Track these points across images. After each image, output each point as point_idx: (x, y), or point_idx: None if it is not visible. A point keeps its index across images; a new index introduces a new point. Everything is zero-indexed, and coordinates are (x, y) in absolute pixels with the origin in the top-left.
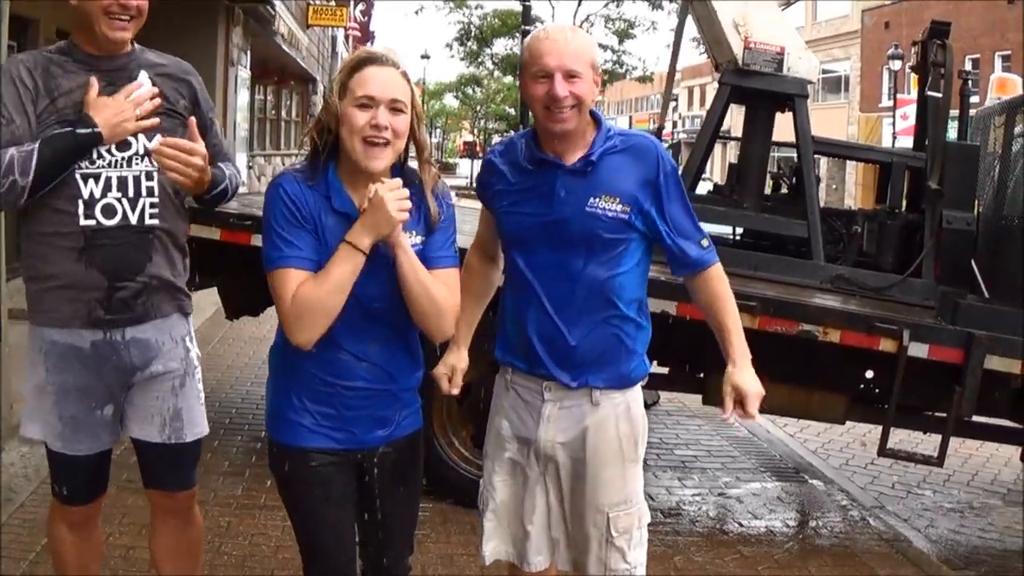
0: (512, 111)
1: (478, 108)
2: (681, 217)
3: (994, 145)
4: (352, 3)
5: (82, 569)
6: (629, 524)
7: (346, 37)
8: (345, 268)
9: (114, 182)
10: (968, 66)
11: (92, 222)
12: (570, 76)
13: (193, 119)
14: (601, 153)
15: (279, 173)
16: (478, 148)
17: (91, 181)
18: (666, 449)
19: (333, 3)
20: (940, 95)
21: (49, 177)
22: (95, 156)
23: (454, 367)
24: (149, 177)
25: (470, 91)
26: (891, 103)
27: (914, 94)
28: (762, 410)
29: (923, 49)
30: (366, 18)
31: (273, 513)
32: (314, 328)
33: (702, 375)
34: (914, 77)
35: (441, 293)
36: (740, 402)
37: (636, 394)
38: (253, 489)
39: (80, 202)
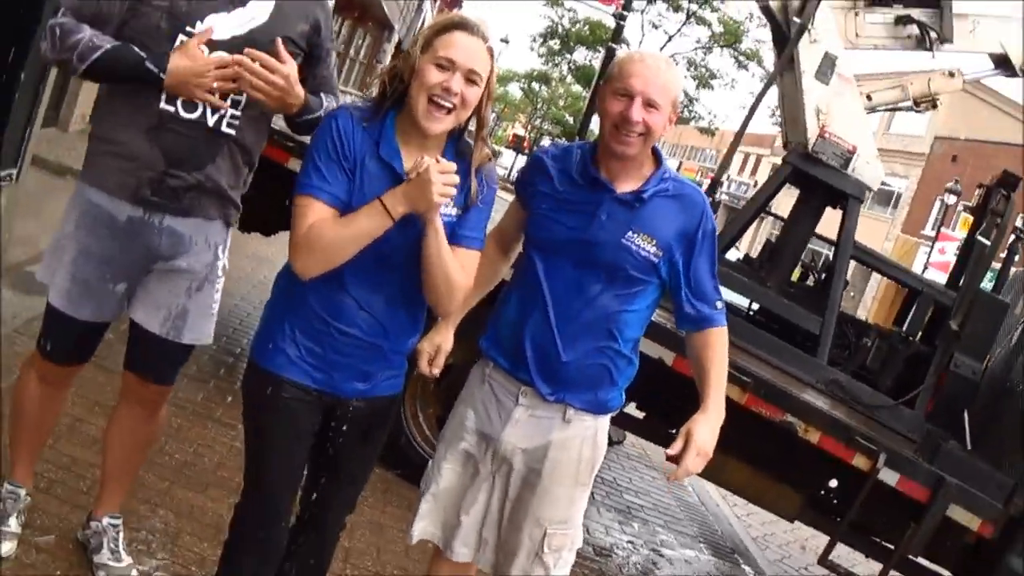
0: (571, 120)
1: (539, 106)
2: (704, 276)
3: (1023, 309)
4: None
5: (37, 423)
6: (562, 544)
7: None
8: (370, 225)
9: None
10: (1020, 222)
11: (171, 108)
12: (649, 105)
13: (280, 41)
14: (653, 192)
15: (340, 105)
16: (526, 144)
17: None
18: (616, 490)
19: None
20: (989, 243)
21: (103, 77)
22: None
23: (439, 347)
24: (238, 92)
25: (537, 87)
26: (934, 233)
27: (958, 232)
28: (720, 483)
29: (987, 193)
30: None
31: (224, 429)
32: (316, 265)
33: (673, 430)
34: (965, 217)
35: (458, 274)
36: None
37: (605, 423)
38: (212, 400)
39: (164, 90)
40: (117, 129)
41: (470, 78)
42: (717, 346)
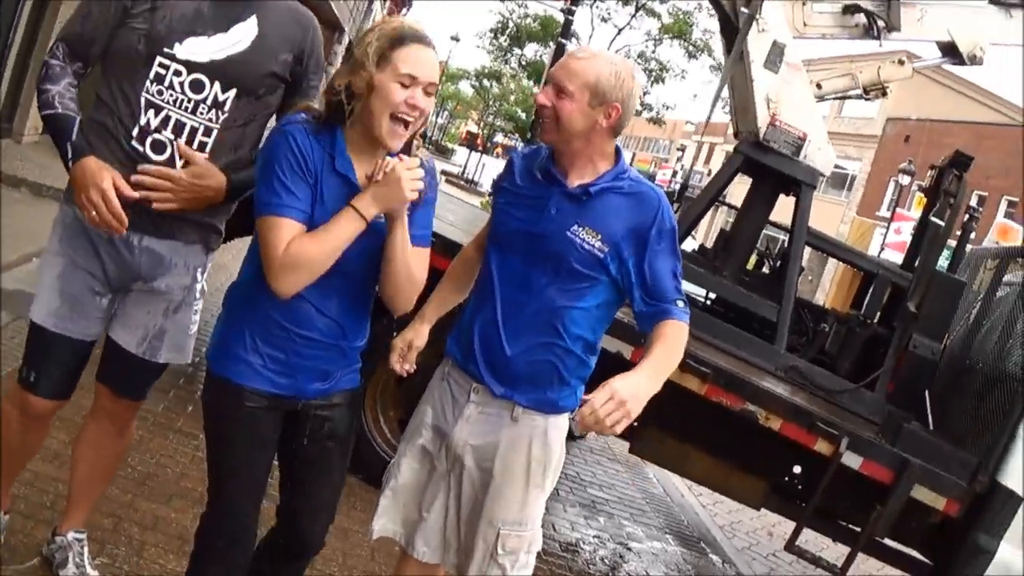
0: (523, 115)
1: (491, 103)
2: (663, 276)
3: (980, 286)
4: None
5: (19, 455)
6: (517, 546)
7: None
8: (346, 232)
9: (172, 122)
10: (975, 201)
11: (140, 148)
12: (558, 90)
13: (181, 145)
14: (604, 188)
15: (284, 119)
16: (479, 141)
17: (151, 111)
18: (580, 485)
19: None
20: (943, 223)
21: (49, 133)
22: (166, 85)
23: (411, 343)
24: (207, 132)
25: (488, 84)
26: (889, 214)
27: (913, 212)
28: (684, 474)
29: (939, 174)
30: None
31: (186, 440)
32: (300, 281)
33: (634, 424)
34: (919, 198)
35: (418, 270)
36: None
37: (558, 422)
38: (173, 411)
39: (137, 126)
40: (97, 154)
41: (428, 90)
42: (669, 333)
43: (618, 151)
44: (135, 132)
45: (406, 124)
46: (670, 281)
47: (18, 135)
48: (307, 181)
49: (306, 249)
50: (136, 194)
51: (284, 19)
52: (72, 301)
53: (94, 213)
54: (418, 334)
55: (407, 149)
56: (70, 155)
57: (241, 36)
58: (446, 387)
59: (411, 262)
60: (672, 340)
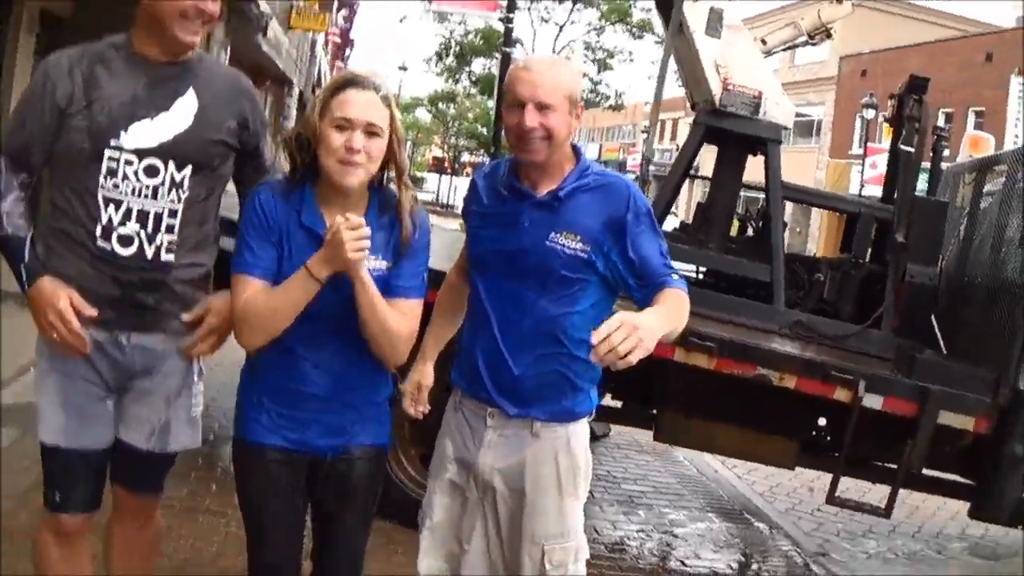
0: (484, 130)
1: (450, 124)
2: (650, 255)
3: (962, 202)
4: (335, 9)
5: None
6: (564, 558)
7: (326, 42)
8: (299, 290)
9: (134, 213)
10: (941, 119)
11: (107, 246)
12: (542, 107)
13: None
14: (572, 189)
15: (259, 183)
16: (446, 164)
17: (111, 207)
18: (613, 483)
19: (316, 7)
20: (912, 149)
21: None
22: (120, 177)
23: (419, 384)
24: (172, 214)
25: (443, 107)
26: (861, 151)
27: (885, 143)
28: (713, 451)
29: (899, 103)
30: (348, 24)
31: (216, 519)
32: (255, 336)
33: (655, 411)
34: (887, 128)
35: (396, 324)
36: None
37: (579, 428)
38: (198, 492)
39: (99, 225)
40: (62, 261)
41: (370, 131)
42: (669, 295)
43: (576, 149)
44: (98, 232)
45: (358, 164)
46: (658, 259)
47: None
48: (269, 239)
49: (259, 304)
50: (94, 311)
51: (220, 86)
52: (79, 413)
53: (54, 335)
54: (424, 374)
55: (378, 191)
56: (24, 278)
57: (184, 111)
58: (461, 417)
59: (386, 318)
60: (672, 299)
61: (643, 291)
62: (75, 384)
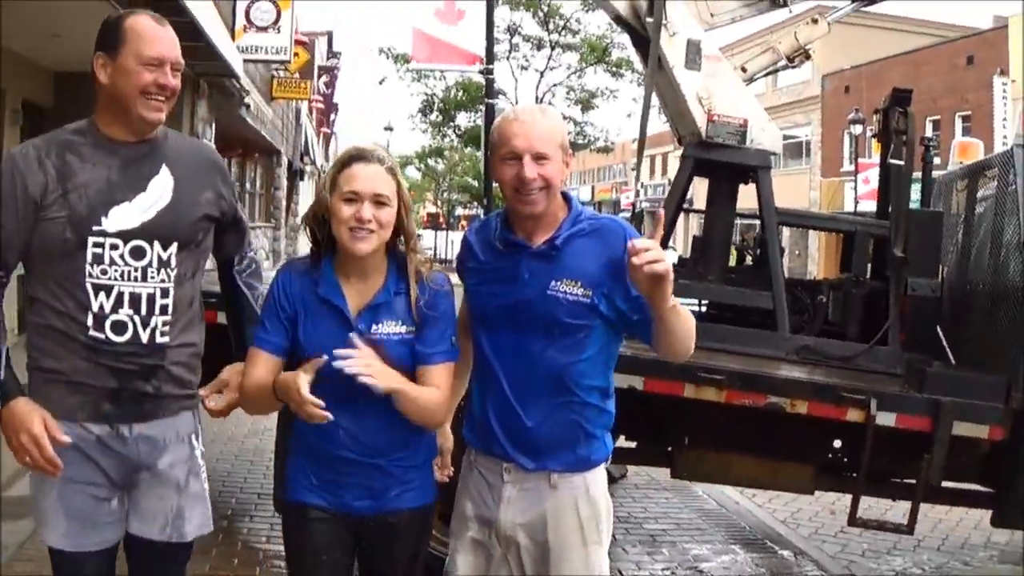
0: (475, 183)
1: (441, 180)
2: None
3: (957, 209)
4: (316, 75)
5: None
6: None
7: (310, 109)
8: (269, 401)
9: (126, 298)
10: (929, 127)
11: (101, 335)
12: (539, 158)
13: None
14: (567, 237)
15: (286, 261)
16: (441, 220)
17: (102, 294)
18: (635, 523)
19: (297, 76)
20: (902, 163)
21: None
22: (107, 262)
23: (442, 448)
24: (164, 294)
25: (432, 163)
26: (852, 167)
27: (875, 157)
28: (731, 482)
29: (885, 117)
30: (330, 90)
31: None
32: (257, 410)
33: (670, 448)
34: (876, 143)
35: (427, 399)
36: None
37: (596, 475)
38: (221, 568)
39: (90, 314)
40: (55, 359)
41: (378, 201)
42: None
43: (567, 196)
44: (90, 321)
45: (370, 232)
46: None
47: None
48: (280, 316)
49: (251, 388)
50: (67, 439)
51: (191, 160)
52: (81, 518)
53: (27, 459)
54: (444, 437)
55: (394, 259)
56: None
57: (160, 190)
58: (477, 475)
59: (418, 398)
60: (688, 318)
61: (649, 326)
62: (73, 488)
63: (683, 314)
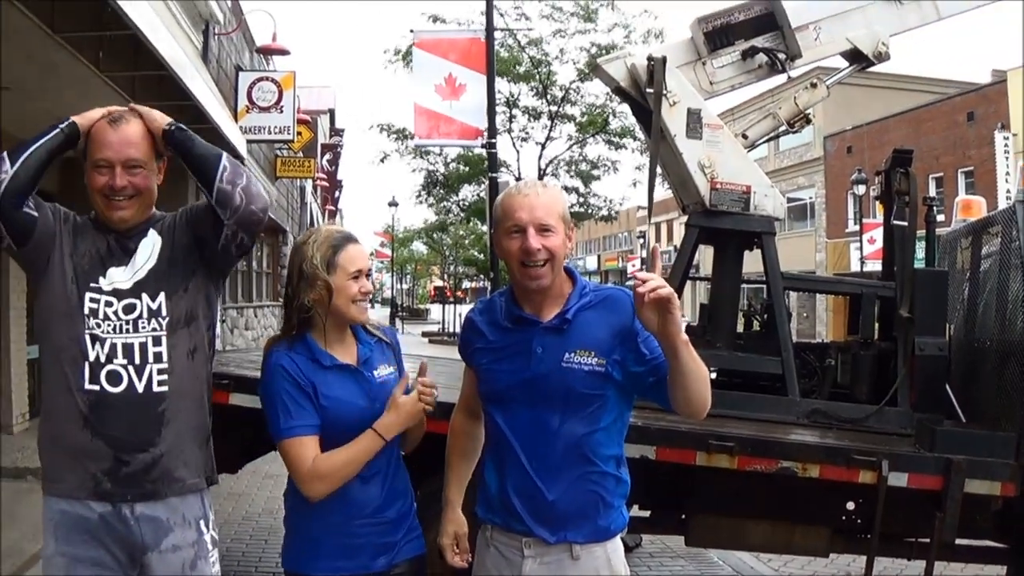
0: (481, 256)
1: (447, 253)
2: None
3: (962, 267)
4: (319, 153)
5: None
6: None
7: (315, 187)
8: (369, 449)
9: (120, 348)
10: (932, 185)
11: (96, 387)
12: (543, 229)
13: None
14: (577, 309)
15: (269, 353)
16: (448, 293)
17: (97, 345)
18: None
19: (301, 155)
20: (906, 223)
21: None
22: (101, 318)
23: (456, 534)
24: (157, 342)
25: (438, 237)
26: (858, 228)
27: (880, 217)
28: (746, 548)
29: (887, 178)
30: (333, 167)
31: None
32: (329, 489)
33: (684, 516)
34: (879, 205)
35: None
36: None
37: (616, 545)
38: None
39: (86, 363)
40: (55, 423)
41: (367, 275)
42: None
43: (570, 271)
44: (86, 372)
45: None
46: None
47: (7, 427)
48: (306, 394)
49: (333, 462)
50: None
51: (171, 220)
52: None
53: None
54: (458, 523)
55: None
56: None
57: (150, 249)
58: (495, 552)
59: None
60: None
61: (663, 387)
62: (81, 570)
63: (695, 355)
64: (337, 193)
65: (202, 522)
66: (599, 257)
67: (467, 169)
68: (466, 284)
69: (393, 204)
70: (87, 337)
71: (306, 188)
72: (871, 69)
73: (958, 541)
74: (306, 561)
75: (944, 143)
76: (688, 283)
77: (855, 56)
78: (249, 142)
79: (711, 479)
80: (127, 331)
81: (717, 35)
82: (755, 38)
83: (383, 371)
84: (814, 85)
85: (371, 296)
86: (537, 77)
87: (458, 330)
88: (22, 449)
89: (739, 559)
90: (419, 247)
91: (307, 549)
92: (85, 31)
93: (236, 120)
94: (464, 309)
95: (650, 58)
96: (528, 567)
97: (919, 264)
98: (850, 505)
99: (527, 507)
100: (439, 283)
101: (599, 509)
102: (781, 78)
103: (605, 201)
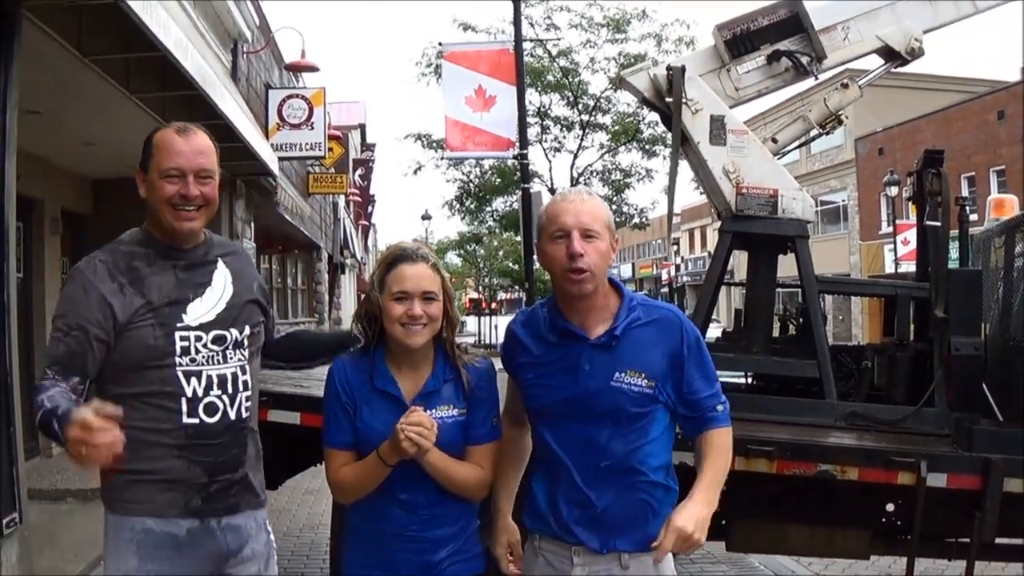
0: (516, 267)
1: (482, 265)
2: (697, 384)
3: (996, 266)
4: (351, 168)
5: None
6: None
7: (347, 203)
8: (373, 473)
9: (215, 380)
10: (964, 184)
11: (195, 420)
12: (587, 235)
13: None
14: (625, 327)
15: (336, 358)
16: (484, 305)
17: (193, 379)
18: None
19: (333, 170)
20: (939, 224)
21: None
22: (193, 352)
23: (510, 543)
24: (243, 371)
25: (472, 248)
26: (891, 229)
27: (913, 218)
28: (786, 552)
29: (918, 179)
30: (366, 182)
31: None
32: (348, 498)
33: (724, 522)
34: (912, 206)
35: (467, 476)
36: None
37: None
38: None
39: (183, 400)
40: (143, 459)
41: (426, 298)
42: (715, 443)
43: (615, 283)
44: (184, 407)
45: (422, 327)
46: (706, 389)
47: (46, 450)
48: (345, 410)
49: (346, 478)
50: (119, 410)
51: (234, 254)
52: None
53: (82, 451)
54: (510, 531)
55: (445, 353)
56: (57, 429)
57: (223, 281)
58: (543, 562)
59: (458, 476)
60: (719, 453)
61: (690, 424)
62: None
63: (721, 473)
64: (370, 208)
65: (266, 523)
66: (633, 265)
67: (499, 181)
68: (501, 295)
69: (426, 217)
70: (179, 374)
71: (339, 204)
72: (899, 70)
73: (998, 540)
74: (347, 571)
75: (975, 142)
76: (723, 288)
77: (888, 54)
78: (281, 159)
79: (750, 483)
80: (218, 362)
81: (740, 41)
82: (780, 42)
83: (443, 411)
84: (845, 86)
85: (427, 321)
86: (568, 87)
87: (495, 341)
88: (61, 471)
89: (780, 563)
90: (453, 259)
91: (348, 558)
92: (114, 53)
93: (267, 138)
94: (500, 321)
95: (669, 68)
96: (577, 574)
97: (953, 264)
98: (890, 507)
99: (576, 516)
100: (474, 295)
101: (648, 518)
102: (813, 81)
103: (637, 209)
